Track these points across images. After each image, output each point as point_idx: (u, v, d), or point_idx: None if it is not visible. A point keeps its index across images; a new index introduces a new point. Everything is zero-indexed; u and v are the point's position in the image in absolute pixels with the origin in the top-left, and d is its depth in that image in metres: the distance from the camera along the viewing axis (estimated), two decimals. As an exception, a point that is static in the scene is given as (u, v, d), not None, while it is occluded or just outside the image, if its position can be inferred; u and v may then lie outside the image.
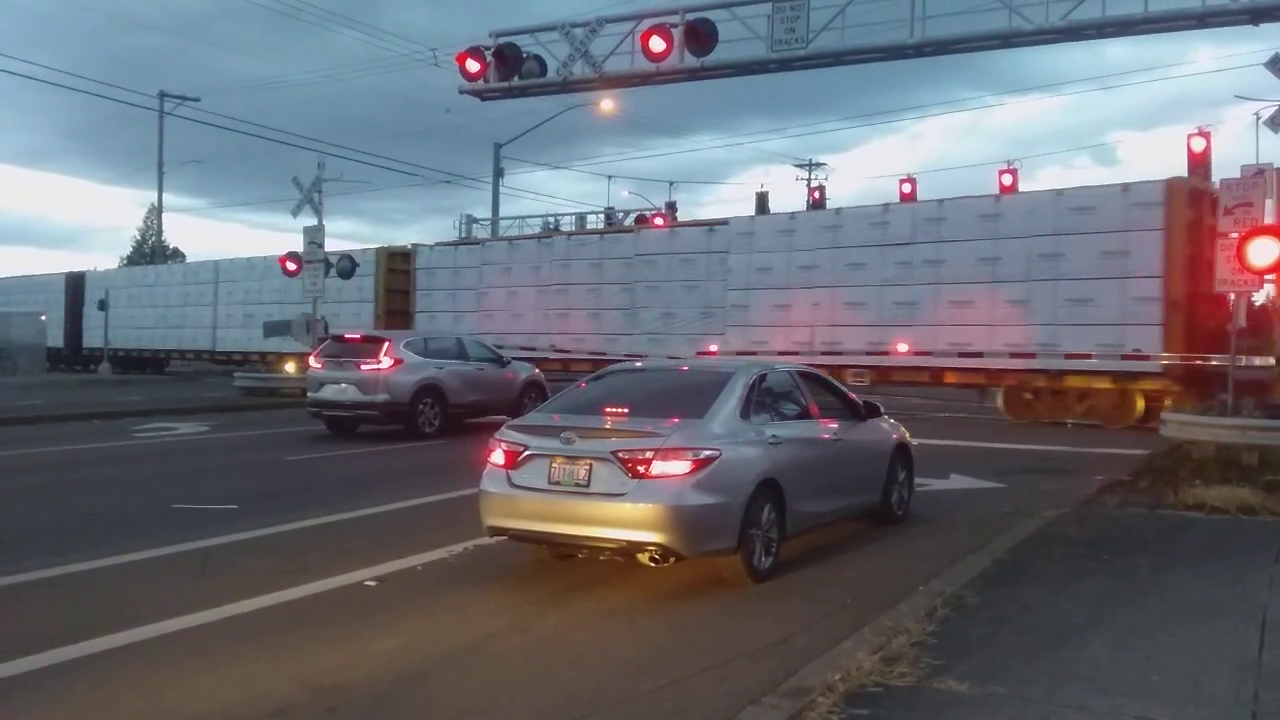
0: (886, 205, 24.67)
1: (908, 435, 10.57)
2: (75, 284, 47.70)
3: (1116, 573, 7.60)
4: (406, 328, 30.99)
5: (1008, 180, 28.24)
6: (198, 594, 7.28)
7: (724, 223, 26.95)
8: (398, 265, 33.95)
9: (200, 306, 39.91)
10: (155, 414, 22.86)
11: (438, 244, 34.49)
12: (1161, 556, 8.19)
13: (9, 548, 8.81)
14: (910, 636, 5.81)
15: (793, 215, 26.54)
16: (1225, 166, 23.56)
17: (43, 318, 45.15)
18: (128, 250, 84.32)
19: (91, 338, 45.31)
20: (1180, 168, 23.42)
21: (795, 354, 22.71)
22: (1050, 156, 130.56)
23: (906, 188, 30.43)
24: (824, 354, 23.19)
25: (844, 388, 10.18)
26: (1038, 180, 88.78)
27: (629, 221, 39.02)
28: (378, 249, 34.87)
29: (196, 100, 48.39)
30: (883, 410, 10.24)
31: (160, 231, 63.58)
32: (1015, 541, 8.76)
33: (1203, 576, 7.57)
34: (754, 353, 23.41)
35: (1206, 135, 23.66)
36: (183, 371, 44.85)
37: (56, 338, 46.83)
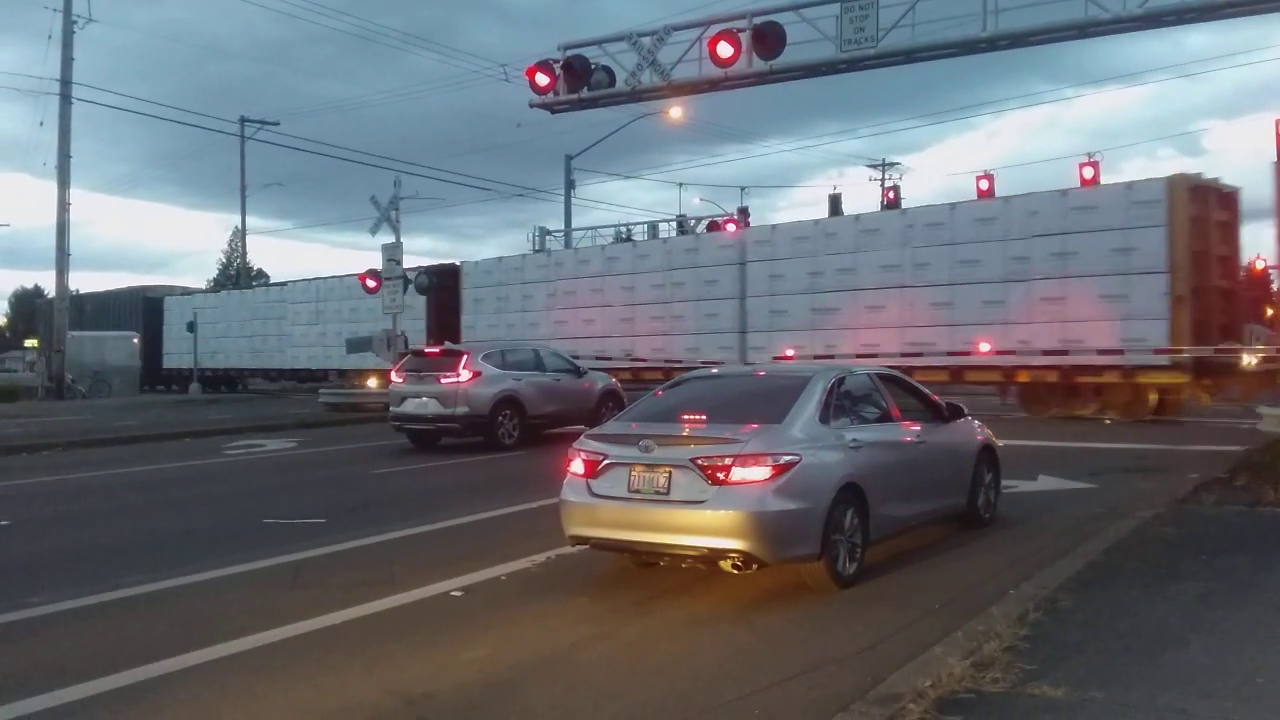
0: None
1: (993, 436, 10.37)
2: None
3: (1216, 573, 7.35)
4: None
5: (1089, 173, 27.57)
6: (290, 606, 7.45)
7: None
8: (1202, 211, 20.80)
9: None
10: (244, 431, 23.53)
11: None
12: (1262, 555, 7.91)
13: (113, 564, 9.14)
14: (1002, 641, 5.69)
15: None
16: (1318, 150, 22.52)
17: (135, 340, 46.51)
18: (214, 273, 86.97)
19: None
20: (1270, 154, 22.61)
21: None
22: (1134, 148, 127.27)
23: (984, 184, 29.89)
24: None
25: (925, 389, 10.01)
26: (1121, 173, 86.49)
27: (701, 229, 38.10)
28: (1169, 178, 21.04)
29: (276, 124, 49.68)
30: (966, 411, 10.07)
31: (245, 253, 65.35)
32: (1109, 543, 8.53)
33: (1309, 576, 7.29)
34: None
35: (1296, 119, 22.83)
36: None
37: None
